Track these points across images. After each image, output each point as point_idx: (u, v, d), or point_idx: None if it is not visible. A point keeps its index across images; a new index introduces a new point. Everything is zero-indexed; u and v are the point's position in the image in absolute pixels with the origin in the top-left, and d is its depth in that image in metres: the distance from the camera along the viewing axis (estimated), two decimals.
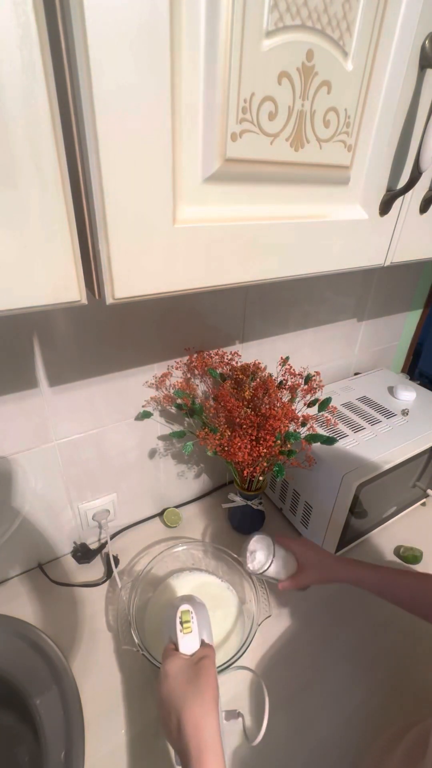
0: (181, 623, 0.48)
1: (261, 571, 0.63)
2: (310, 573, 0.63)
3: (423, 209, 0.47)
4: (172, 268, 0.33)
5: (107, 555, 0.81)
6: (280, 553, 0.65)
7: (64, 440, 0.70)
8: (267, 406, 0.70)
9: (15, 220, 0.25)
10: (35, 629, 0.67)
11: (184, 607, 0.49)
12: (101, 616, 0.72)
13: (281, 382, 0.75)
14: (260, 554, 0.64)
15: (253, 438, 0.69)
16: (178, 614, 0.49)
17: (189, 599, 0.52)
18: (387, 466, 0.75)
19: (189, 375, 0.78)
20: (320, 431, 0.81)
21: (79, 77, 0.24)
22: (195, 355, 0.75)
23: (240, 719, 0.52)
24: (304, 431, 0.72)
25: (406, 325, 1.19)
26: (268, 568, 0.63)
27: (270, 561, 0.63)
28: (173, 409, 0.80)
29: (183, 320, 0.73)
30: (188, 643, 0.47)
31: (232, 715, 0.52)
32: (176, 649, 0.48)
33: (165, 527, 0.90)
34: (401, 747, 0.51)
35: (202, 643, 0.48)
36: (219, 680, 0.46)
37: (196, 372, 0.76)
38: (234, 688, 0.63)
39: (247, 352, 0.85)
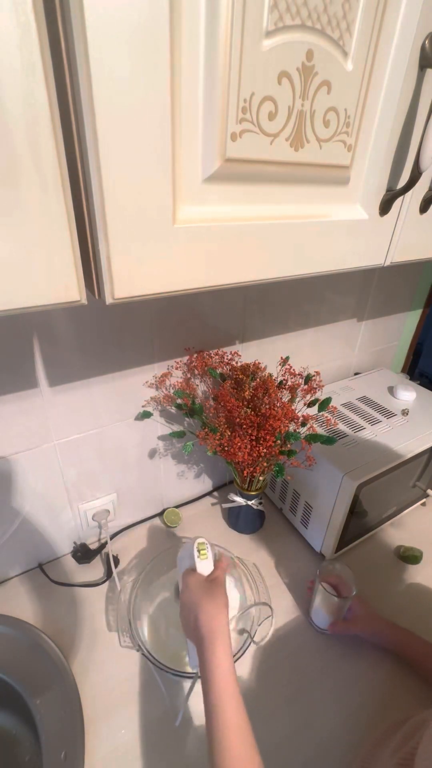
0: (198, 551, 0.58)
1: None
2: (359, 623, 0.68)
3: (423, 209, 0.47)
4: (171, 268, 0.33)
5: (107, 555, 0.81)
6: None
7: (64, 440, 0.70)
8: (267, 406, 0.70)
9: (15, 220, 0.25)
10: (35, 629, 0.67)
11: (200, 540, 0.59)
12: (101, 616, 0.72)
13: (281, 382, 0.75)
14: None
15: (253, 438, 0.69)
16: (195, 545, 0.58)
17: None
18: (387, 466, 0.74)
19: (189, 375, 0.78)
20: (320, 431, 0.81)
21: (79, 77, 0.24)
22: (195, 355, 0.75)
23: (246, 635, 0.64)
24: (304, 431, 0.72)
25: (406, 325, 1.19)
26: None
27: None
28: (173, 409, 0.80)
29: (183, 320, 0.73)
30: (205, 567, 0.57)
31: (241, 632, 0.64)
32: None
33: (165, 527, 0.90)
34: (397, 737, 0.52)
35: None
36: None
37: (196, 372, 0.76)
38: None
39: (247, 352, 0.85)
